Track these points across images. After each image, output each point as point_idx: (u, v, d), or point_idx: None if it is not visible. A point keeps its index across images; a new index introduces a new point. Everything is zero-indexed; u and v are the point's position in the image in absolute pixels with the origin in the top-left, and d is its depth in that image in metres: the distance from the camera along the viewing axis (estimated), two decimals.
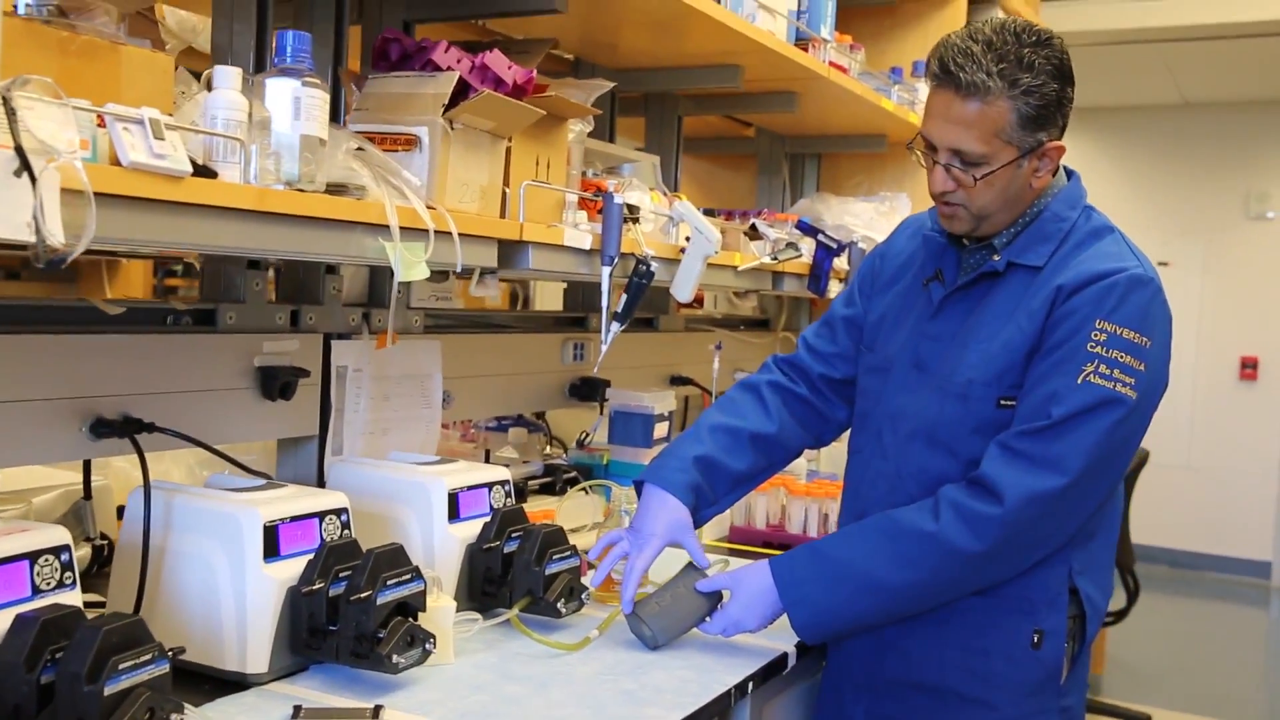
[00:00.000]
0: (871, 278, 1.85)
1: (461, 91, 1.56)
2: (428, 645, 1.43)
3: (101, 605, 1.52)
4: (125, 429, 1.52)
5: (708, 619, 1.67)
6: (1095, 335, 1.52)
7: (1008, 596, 1.60)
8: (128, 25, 1.27)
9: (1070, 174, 1.69)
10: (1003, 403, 1.59)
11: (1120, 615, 3.99)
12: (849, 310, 1.85)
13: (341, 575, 1.43)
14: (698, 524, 1.76)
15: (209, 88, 1.25)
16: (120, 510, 1.53)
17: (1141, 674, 5.08)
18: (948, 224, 1.64)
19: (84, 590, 1.30)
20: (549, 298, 3.76)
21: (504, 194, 1.70)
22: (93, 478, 1.82)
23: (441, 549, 1.69)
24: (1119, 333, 1.52)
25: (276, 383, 1.73)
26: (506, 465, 2.08)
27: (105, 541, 1.80)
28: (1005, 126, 1.52)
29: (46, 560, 1.23)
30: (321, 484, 1.83)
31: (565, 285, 3.03)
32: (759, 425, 1.80)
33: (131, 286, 3.08)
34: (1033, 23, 1.56)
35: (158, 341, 1.60)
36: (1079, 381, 1.52)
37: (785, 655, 1.68)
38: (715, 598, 1.68)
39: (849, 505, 1.78)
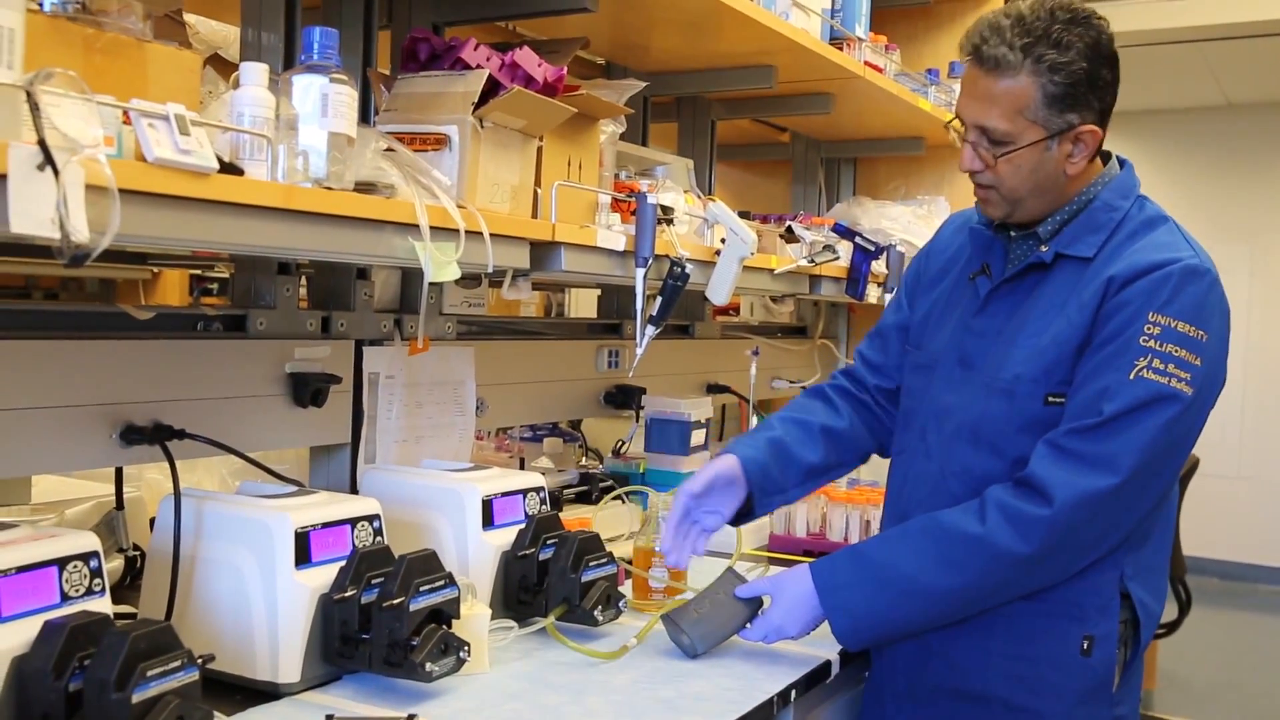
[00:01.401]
0: (916, 278, 1.81)
1: (491, 90, 1.54)
2: (462, 653, 1.40)
3: (133, 618, 1.50)
4: (156, 436, 1.51)
5: (748, 626, 1.63)
6: (1148, 328, 1.47)
7: (1057, 601, 1.54)
8: (156, 29, 1.26)
9: (1123, 163, 1.63)
10: (1051, 399, 1.53)
11: (1171, 628, 3.89)
12: (898, 316, 1.82)
13: (374, 582, 1.40)
14: (765, 511, 1.76)
15: (236, 88, 1.24)
16: (153, 522, 1.52)
17: (1194, 688, 4.96)
18: (982, 207, 1.61)
19: (115, 603, 1.28)
20: (583, 310, 3.74)
21: (535, 194, 1.68)
22: (126, 489, 1.81)
23: (476, 556, 1.66)
24: (1173, 326, 1.47)
25: (308, 389, 1.71)
26: (542, 473, 2.05)
27: (138, 553, 1.79)
28: (1030, 105, 1.48)
29: (75, 566, 1.21)
30: (354, 492, 1.81)
31: (599, 295, 3.01)
32: (829, 420, 1.81)
33: (167, 304, 3.09)
34: (1075, 2, 1.51)
35: (188, 348, 1.58)
36: (1131, 377, 1.46)
37: (828, 663, 1.64)
38: (755, 604, 1.64)
39: (891, 507, 1.74)
